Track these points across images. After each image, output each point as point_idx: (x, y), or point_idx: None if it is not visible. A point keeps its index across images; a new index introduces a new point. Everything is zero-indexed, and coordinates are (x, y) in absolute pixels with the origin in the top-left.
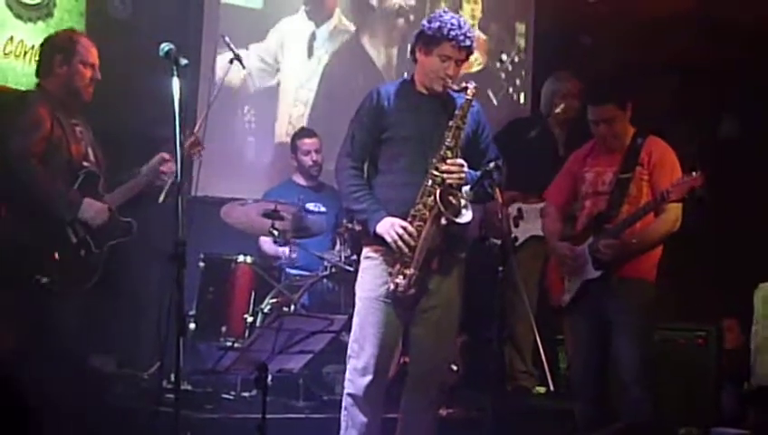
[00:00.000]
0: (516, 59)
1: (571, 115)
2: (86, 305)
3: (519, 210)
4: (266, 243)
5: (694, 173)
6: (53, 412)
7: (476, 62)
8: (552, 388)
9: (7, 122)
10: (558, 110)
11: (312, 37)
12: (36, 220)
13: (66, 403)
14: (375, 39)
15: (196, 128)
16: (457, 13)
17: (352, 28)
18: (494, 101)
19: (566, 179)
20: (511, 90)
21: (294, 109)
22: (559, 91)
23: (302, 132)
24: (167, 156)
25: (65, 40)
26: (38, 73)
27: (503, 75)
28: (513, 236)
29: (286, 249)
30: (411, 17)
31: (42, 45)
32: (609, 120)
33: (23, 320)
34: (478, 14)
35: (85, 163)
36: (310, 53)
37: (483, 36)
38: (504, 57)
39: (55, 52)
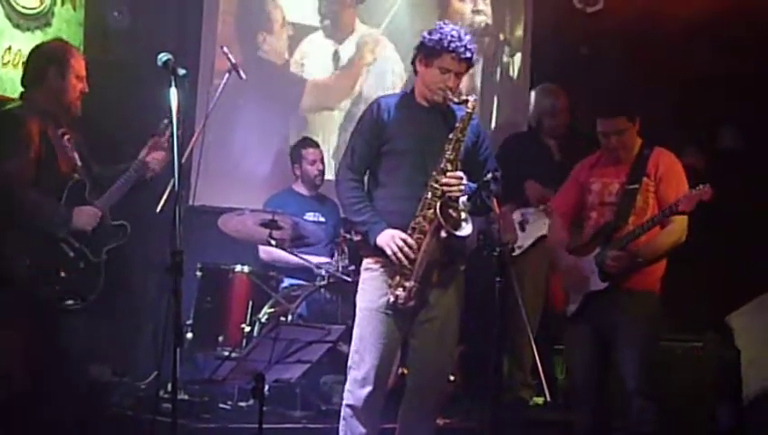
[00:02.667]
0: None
1: (561, 131)
2: (89, 319)
3: (523, 215)
4: (265, 252)
5: (702, 186)
6: (53, 422)
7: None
8: (549, 399)
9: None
10: (547, 125)
11: (336, 55)
12: (34, 240)
13: (65, 413)
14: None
15: (194, 138)
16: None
17: (379, 35)
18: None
19: (573, 188)
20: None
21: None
22: (548, 108)
23: (306, 142)
24: (151, 142)
25: (59, 52)
26: (25, 82)
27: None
28: (519, 241)
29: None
30: None
31: (32, 54)
32: (621, 133)
33: (31, 337)
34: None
35: (74, 175)
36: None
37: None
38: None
39: (49, 63)
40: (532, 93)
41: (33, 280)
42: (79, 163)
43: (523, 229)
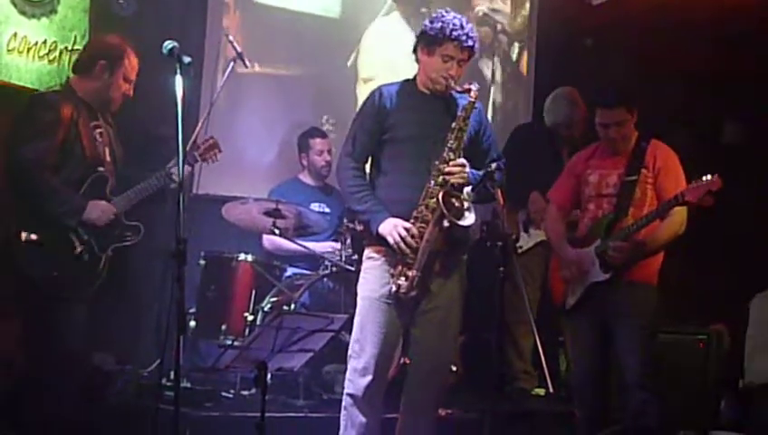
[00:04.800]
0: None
1: (577, 142)
2: (91, 308)
3: (528, 215)
4: (269, 241)
5: (710, 176)
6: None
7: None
8: (551, 390)
9: (21, 129)
10: (563, 134)
11: None
12: (42, 225)
13: (65, 401)
14: None
15: (199, 126)
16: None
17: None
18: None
19: (569, 181)
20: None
21: None
22: (565, 119)
23: (314, 132)
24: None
25: (115, 48)
26: (74, 67)
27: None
28: (520, 241)
29: (332, 244)
30: None
31: (90, 42)
32: (620, 124)
33: (31, 324)
34: None
35: (100, 168)
36: None
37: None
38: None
39: (101, 56)
40: (548, 98)
41: (34, 264)
42: (108, 159)
43: (526, 231)
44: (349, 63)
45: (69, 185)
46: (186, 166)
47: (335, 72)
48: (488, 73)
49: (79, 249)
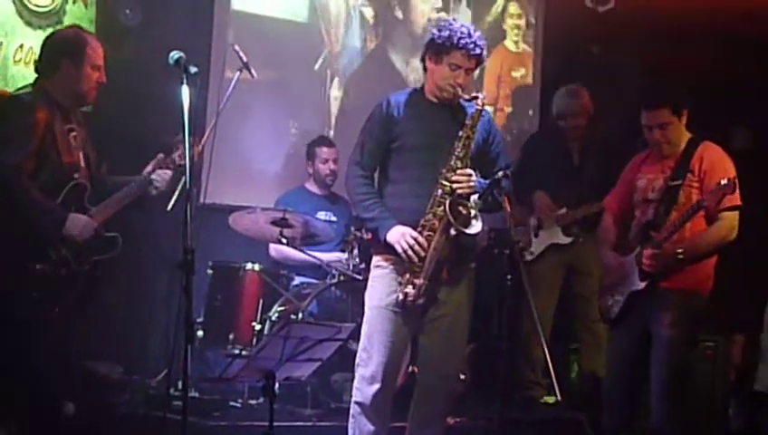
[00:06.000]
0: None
1: (580, 133)
2: (67, 318)
3: (539, 219)
4: (275, 250)
5: (727, 180)
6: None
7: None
8: (560, 398)
9: (2, 130)
10: (568, 125)
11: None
12: (19, 236)
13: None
14: (399, 51)
15: (205, 136)
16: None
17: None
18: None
19: (622, 187)
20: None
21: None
22: (568, 108)
23: (321, 141)
24: (162, 155)
25: (74, 40)
26: (38, 71)
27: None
28: (532, 247)
29: (339, 255)
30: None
31: (46, 42)
32: (664, 126)
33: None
34: None
35: (75, 175)
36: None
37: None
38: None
39: (64, 52)
40: (555, 97)
41: (6, 273)
42: (82, 164)
43: (536, 235)
44: (316, 67)
45: (46, 193)
46: (168, 171)
47: (303, 76)
48: None
49: (54, 259)
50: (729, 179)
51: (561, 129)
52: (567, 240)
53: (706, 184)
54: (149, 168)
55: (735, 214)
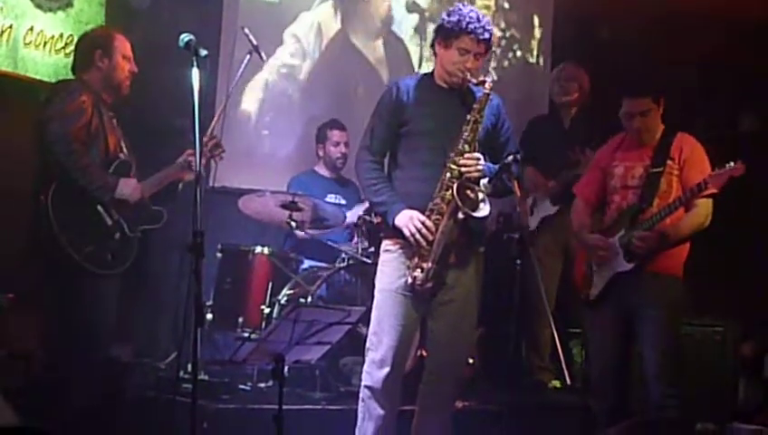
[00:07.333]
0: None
1: (573, 109)
2: (120, 289)
3: (534, 200)
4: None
5: (732, 163)
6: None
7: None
8: (568, 382)
9: (50, 108)
10: (557, 92)
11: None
12: (75, 203)
13: (85, 393)
14: (362, 32)
15: (215, 119)
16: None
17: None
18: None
19: (594, 174)
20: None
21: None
22: (557, 88)
23: (333, 123)
24: (191, 153)
25: (103, 35)
26: (75, 68)
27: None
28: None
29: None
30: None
31: (78, 42)
32: (645, 114)
33: (59, 305)
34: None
35: (120, 155)
36: None
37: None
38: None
39: (95, 46)
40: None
41: (67, 242)
42: (125, 150)
43: (531, 213)
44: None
45: (96, 164)
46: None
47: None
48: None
49: (109, 223)
50: (734, 162)
51: (557, 106)
52: (554, 209)
53: (686, 171)
54: (188, 152)
55: (710, 201)
